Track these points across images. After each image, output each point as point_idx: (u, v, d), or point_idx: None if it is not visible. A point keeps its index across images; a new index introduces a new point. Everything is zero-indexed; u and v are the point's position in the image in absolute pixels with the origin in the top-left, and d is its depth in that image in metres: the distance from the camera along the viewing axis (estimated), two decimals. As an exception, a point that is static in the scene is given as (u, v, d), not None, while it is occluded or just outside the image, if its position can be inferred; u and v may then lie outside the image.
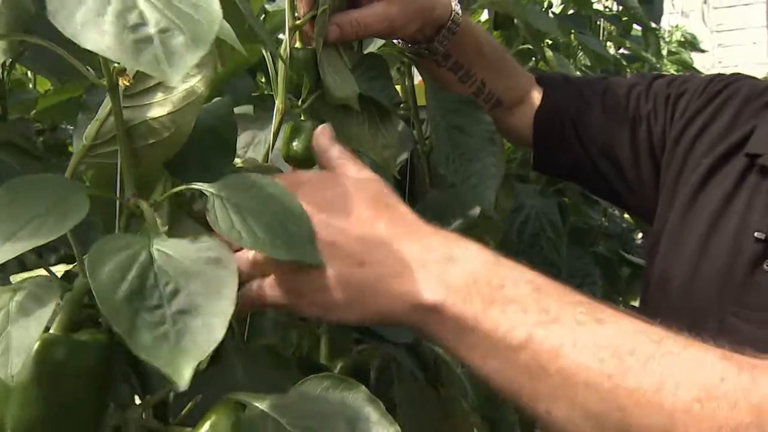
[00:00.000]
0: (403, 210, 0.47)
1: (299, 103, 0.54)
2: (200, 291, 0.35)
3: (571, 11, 1.51)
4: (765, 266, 0.63)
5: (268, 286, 0.46)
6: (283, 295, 0.45)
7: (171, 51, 0.31)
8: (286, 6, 0.52)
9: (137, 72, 0.40)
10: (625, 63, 1.86)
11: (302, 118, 0.54)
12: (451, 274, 0.43)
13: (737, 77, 0.78)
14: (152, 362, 0.31)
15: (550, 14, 1.43)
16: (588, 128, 0.80)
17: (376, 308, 0.44)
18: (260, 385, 0.43)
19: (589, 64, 1.47)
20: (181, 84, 0.41)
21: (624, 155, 0.79)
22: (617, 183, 0.81)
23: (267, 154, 0.51)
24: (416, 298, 0.43)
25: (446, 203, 0.78)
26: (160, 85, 0.42)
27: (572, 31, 1.37)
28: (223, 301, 0.35)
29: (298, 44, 0.54)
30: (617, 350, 0.40)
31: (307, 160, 0.52)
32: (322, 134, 0.51)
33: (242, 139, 0.54)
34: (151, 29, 0.31)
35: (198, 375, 0.45)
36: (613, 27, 1.65)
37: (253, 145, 0.53)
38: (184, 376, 0.32)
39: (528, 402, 0.42)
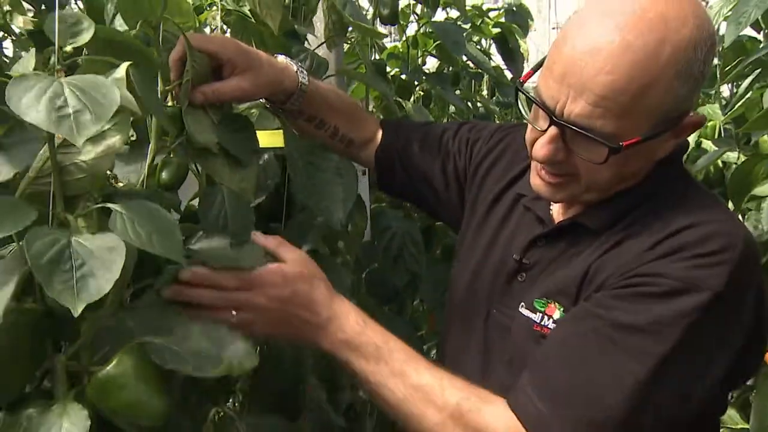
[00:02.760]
0: (318, 289, 0.79)
1: (169, 144, 0.78)
2: (98, 266, 0.56)
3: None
4: (519, 278, 0.88)
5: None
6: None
7: (80, 124, 0.54)
8: (159, 76, 0.75)
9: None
10: (499, 109, 2.19)
11: (171, 155, 0.77)
12: (336, 336, 0.79)
13: (519, 127, 1.05)
14: (59, 300, 0.52)
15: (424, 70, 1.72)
16: (411, 162, 1.07)
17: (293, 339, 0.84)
18: (147, 331, 0.64)
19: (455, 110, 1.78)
20: (104, 141, 0.64)
21: (438, 182, 1.06)
22: (434, 202, 1.08)
23: (143, 180, 0.74)
24: (317, 344, 0.80)
25: (312, 219, 1.03)
26: (89, 140, 0.64)
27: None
28: (111, 273, 0.56)
29: (170, 103, 0.77)
30: (410, 387, 0.77)
31: (171, 186, 0.76)
32: (264, 240, 0.80)
33: (131, 167, 0.76)
34: (70, 110, 0.54)
35: (102, 330, 0.66)
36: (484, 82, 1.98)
37: (134, 172, 0.75)
38: (77, 310, 0.53)
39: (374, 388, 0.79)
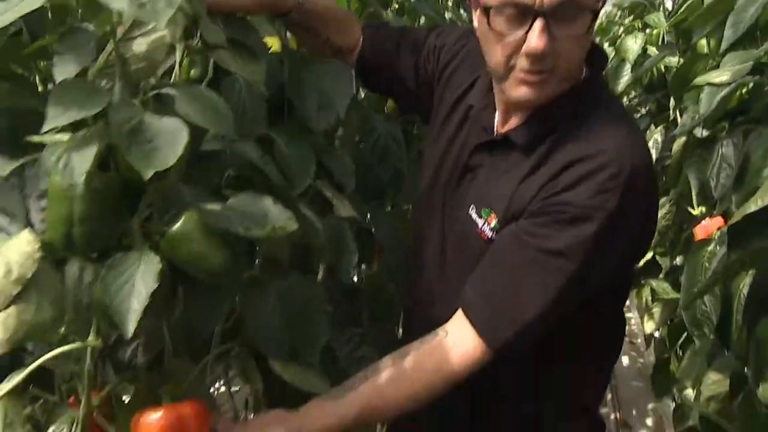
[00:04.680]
0: None
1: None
2: (165, 140, 0.68)
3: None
4: (467, 178, 1.05)
5: None
6: None
7: (156, 10, 0.64)
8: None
9: (131, 24, 0.73)
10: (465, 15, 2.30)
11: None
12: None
13: None
14: (134, 164, 0.65)
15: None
16: (386, 64, 1.20)
17: None
18: (201, 200, 0.77)
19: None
20: (154, 33, 0.74)
21: (410, 83, 1.20)
22: (409, 103, 1.24)
23: (174, 74, 0.84)
24: None
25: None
26: (143, 35, 0.74)
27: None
28: (175, 149, 0.67)
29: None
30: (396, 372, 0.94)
31: (200, 81, 0.87)
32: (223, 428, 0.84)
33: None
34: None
35: (165, 198, 0.78)
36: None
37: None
38: (147, 175, 0.64)
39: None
